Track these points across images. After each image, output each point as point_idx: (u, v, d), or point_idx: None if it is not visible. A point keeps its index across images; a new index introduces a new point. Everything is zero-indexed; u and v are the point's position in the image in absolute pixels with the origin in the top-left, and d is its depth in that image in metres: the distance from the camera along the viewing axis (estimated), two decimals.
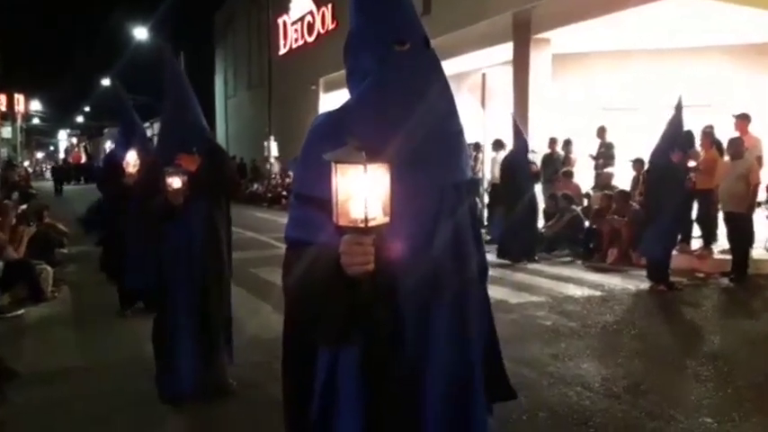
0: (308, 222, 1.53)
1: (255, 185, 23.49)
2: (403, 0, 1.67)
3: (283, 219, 16.79)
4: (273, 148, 24.31)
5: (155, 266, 4.14)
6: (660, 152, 7.57)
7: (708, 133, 9.32)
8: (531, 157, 10.17)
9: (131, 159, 5.76)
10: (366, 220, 1.31)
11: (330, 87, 22.16)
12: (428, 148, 1.58)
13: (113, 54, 41.57)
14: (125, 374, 4.72)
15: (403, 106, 1.57)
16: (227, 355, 4.25)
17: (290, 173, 20.90)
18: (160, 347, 4.10)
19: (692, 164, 7.89)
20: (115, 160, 6.29)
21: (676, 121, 7.56)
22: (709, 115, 10.14)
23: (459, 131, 1.72)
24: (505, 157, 10.41)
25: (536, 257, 9.66)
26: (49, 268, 7.56)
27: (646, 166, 10.43)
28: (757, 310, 6.95)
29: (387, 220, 1.34)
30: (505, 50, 13.66)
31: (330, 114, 1.65)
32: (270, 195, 21.47)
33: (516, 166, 9.67)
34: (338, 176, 1.32)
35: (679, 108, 7.55)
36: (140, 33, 29.84)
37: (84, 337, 5.87)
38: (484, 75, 12.83)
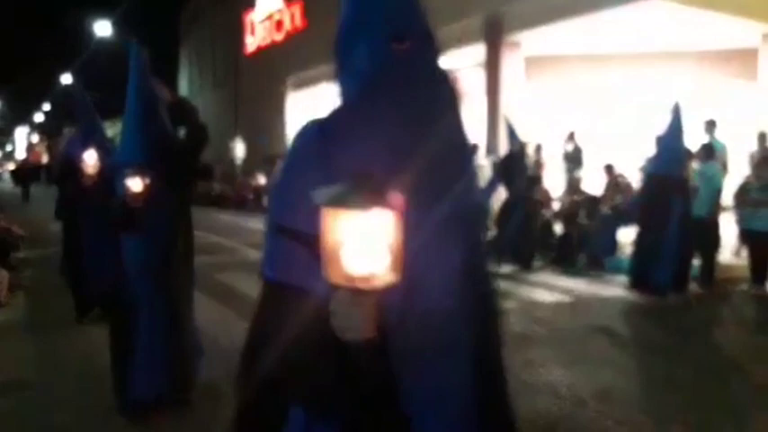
0: (292, 261, 1.27)
1: (220, 187, 23.10)
2: None
3: (249, 222, 16.72)
4: (240, 148, 24.02)
5: (114, 270, 3.97)
6: (661, 161, 7.49)
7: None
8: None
9: (90, 159, 5.57)
10: (367, 279, 1.05)
11: (299, 86, 21.94)
12: (434, 173, 1.29)
13: (74, 50, 40.63)
14: (80, 384, 4.57)
15: (404, 122, 1.30)
16: (196, 367, 4.14)
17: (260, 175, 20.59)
18: (119, 356, 3.95)
19: None
20: (71, 160, 6.08)
21: (678, 129, 7.47)
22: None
23: (466, 147, 1.46)
24: (502, 161, 10.13)
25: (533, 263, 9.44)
26: (4, 272, 7.32)
27: (617, 172, 10.50)
28: (724, 315, 7.04)
29: (396, 278, 1.07)
30: (478, 52, 13.67)
31: (318, 127, 1.36)
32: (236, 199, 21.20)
33: (514, 170, 9.40)
34: (330, 222, 1.05)
35: (677, 114, 7.47)
36: (102, 29, 29.19)
37: (39, 345, 5.69)
38: (456, 77, 12.83)
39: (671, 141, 7.48)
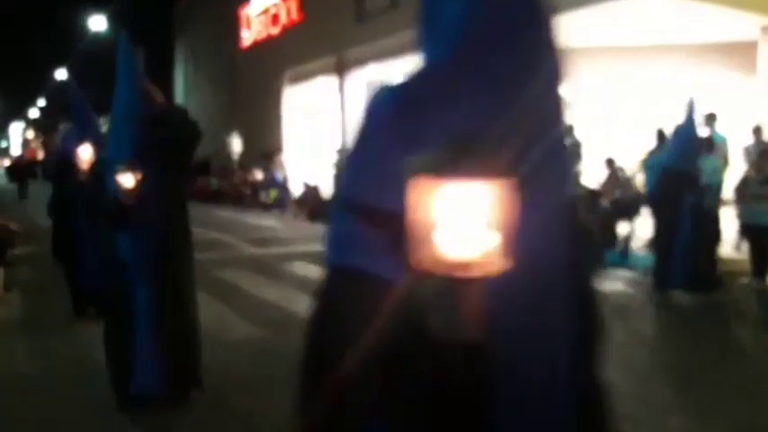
0: (370, 245, 1.06)
1: (215, 181, 23.01)
2: None
3: (247, 218, 16.67)
4: (236, 143, 23.92)
5: (110, 268, 3.96)
6: (677, 156, 7.41)
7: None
8: None
9: (85, 154, 5.54)
10: (471, 265, 0.86)
11: (295, 80, 21.83)
12: (538, 149, 1.07)
13: (69, 45, 40.43)
14: (76, 380, 4.54)
15: (501, 86, 1.07)
16: (197, 378, 4.06)
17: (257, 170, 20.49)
18: (116, 351, 3.92)
19: None
20: (67, 155, 6.02)
21: (692, 123, 7.46)
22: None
23: (563, 120, 1.21)
24: None
25: None
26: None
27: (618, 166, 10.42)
28: (723, 311, 6.97)
29: (507, 264, 0.88)
30: None
31: (398, 92, 1.16)
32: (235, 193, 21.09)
33: None
34: (423, 196, 0.87)
35: (691, 109, 7.45)
36: (97, 24, 29.02)
37: (35, 342, 5.66)
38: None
39: (685, 135, 7.45)
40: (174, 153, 3.93)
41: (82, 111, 6.21)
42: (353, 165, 1.17)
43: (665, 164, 7.70)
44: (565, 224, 1.15)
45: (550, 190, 1.10)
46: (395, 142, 1.00)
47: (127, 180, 3.60)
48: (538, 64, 1.12)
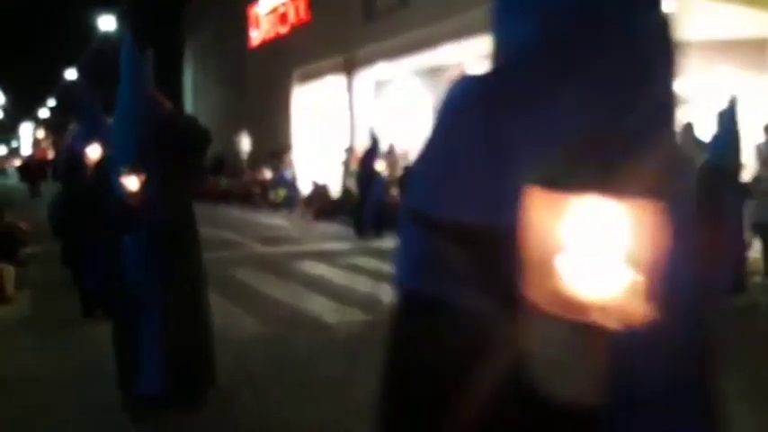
0: (454, 270, 0.87)
1: (225, 180, 23.04)
2: None
3: (256, 218, 16.68)
4: (245, 142, 23.97)
5: (116, 269, 3.95)
6: (724, 148, 7.36)
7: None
8: None
9: (93, 154, 5.57)
10: (604, 310, 0.65)
11: (304, 79, 21.82)
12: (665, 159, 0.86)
13: (80, 45, 40.62)
14: (85, 380, 4.55)
15: (609, 81, 0.85)
16: (210, 377, 4.06)
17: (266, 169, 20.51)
18: (123, 351, 3.92)
19: None
20: (76, 155, 6.05)
21: (733, 120, 7.47)
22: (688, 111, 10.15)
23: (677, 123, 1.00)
24: None
25: None
26: (10, 268, 7.27)
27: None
28: (737, 310, 6.89)
29: (649, 311, 0.67)
30: (482, 45, 13.50)
31: (481, 86, 0.97)
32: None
33: None
34: (544, 214, 0.68)
35: (732, 105, 7.46)
36: (106, 24, 29.13)
37: (44, 341, 5.67)
38: (463, 68, 12.69)
39: (726, 132, 7.44)
40: (181, 155, 3.90)
41: (90, 110, 6.24)
42: (430, 171, 0.98)
43: (709, 157, 7.66)
44: (696, 249, 0.94)
45: (681, 209, 0.86)
46: (485, 146, 0.85)
47: (131, 182, 3.61)
48: (652, 54, 0.92)
